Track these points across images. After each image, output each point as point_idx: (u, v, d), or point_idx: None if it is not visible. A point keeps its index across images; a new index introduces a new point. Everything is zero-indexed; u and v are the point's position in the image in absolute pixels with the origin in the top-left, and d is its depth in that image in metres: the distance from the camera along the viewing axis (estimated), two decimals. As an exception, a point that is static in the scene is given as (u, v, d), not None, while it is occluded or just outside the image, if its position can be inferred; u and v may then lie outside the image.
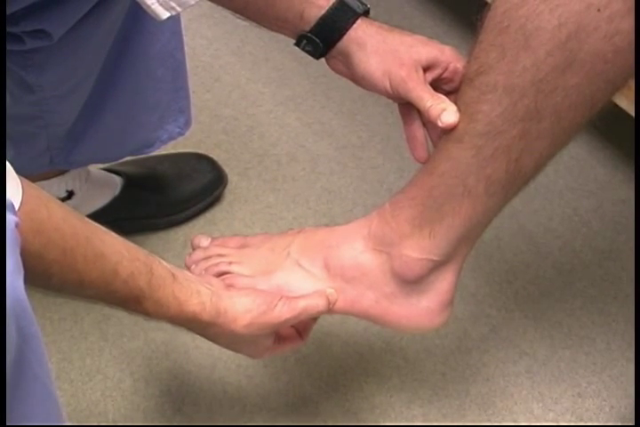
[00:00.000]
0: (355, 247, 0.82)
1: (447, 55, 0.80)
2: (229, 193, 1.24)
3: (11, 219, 0.51)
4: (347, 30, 0.80)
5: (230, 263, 0.83)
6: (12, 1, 0.80)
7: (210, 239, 0.87)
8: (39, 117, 1.00)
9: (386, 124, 1.35)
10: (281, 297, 0.78)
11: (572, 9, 0.68)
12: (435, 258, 0.80)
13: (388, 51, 0.79)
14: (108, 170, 1.19)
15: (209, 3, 0.82)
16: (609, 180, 1.28)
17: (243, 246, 0.86)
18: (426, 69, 0.80)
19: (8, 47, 0.87)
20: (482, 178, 0.75)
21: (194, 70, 1.35)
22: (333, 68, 0.84)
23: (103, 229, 0.68)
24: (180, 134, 1.10)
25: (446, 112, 0.76)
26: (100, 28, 0.92)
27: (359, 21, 0.80)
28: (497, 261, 1.17)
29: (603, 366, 1.06)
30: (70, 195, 1.12)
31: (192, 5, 0.76)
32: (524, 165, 0.75)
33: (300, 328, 0.84)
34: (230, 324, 0.76)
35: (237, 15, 0.83)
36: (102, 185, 1.16)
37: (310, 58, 0.84)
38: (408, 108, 0.82)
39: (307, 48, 0.82)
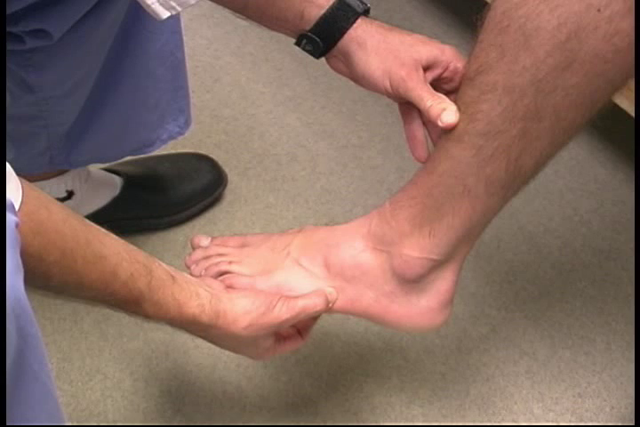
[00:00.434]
0: (355, 246, 0.82)
1: (447, 55, 0.80)
2: (229, 193, 1.24)
3: (11, 219, 0.51)
4: (347, 30, 0.80)
5: (230, 263, 0.84)
6: (12, 1, 0.80)
7: (210, 239, 0.87)
8: (39, 117, 1.00)
9: (386, 124, 1.35)
10: (280, 297, 0.78)
11: (571, 9, 0.68)
12: (434, 257, 0.80)
13: (389, 50, 0.79)
14: (108, 170, 1.19)
15: (209, 3, 0.82)
16: (609, 180, 1.28)
17: (243, 246, 0.86)
18: (426, 69, 0.80)
19: (8, 47, 0.87)
20: (482, 178, 0.75)
21: (194, 70, 1.35)
22: (334, 68, 0.84)
23: (103, 230, 0.68)
24: (180, 134, 1.10)
25: (446, 112, 0.76)
26: (100, 27, 0.92)
27: (359, 21, 0.80)
28: (497, 261, 1.17)
29: (603, 366, 1.06)
30: (70, 195, 1.12)
31: (192, 5, 0.76)
32: (523, 164, 0.75)
33: (301, 328, 0.84)
34: (230, 325, 0.76)
35: (237, 15, 0.83)
36: (102, 185, 1.16)
37: (310, 58, 0.84)
38: (408, 107, 0.82)
39: (307, 47, 0.82)
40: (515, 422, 1.01)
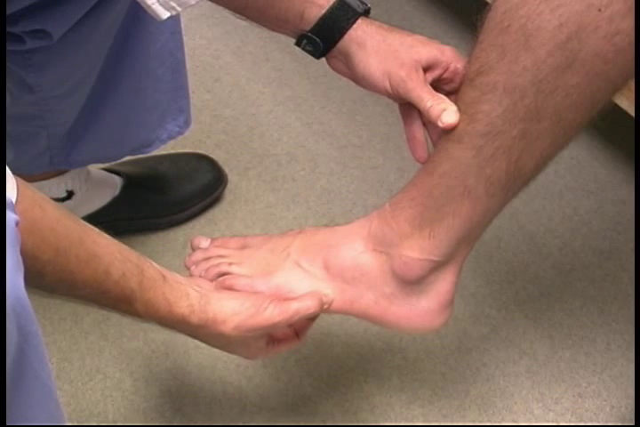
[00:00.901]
0: (354, 248, 0.82)
1: (447, 55, 0.80)
2: (229, 193, 1.24)
3: (11, 217, 0.51)
4: (347, 30, 0.80)
5: (230, 264, 0.84)
6: (12, 1, 0.80)
7: (209, 240, 0.87)
8: (39, 117, 1.00)
9: (386, 124, 1.35)
10: (271, 300, 0.78)
11: (572, 9, 0.68)
12: (434, 258, 0.80)
13: (389, 51, 0.79)
14: (108, 170, 1.19)
15: (209, 3, 0.82)
16: (609, 180, 1.28)
17: (243, 247, 0.86)
18: (426, 70, 0.80)
19: (8, 47, 0.87)
20: (482, 178, 0.75)
21: (194, 70, 1.35)
22: (334, 68, 0.84)
23: (96, 230, 0.69)
24: (180, 134, 1.10)
25: (446, 112, 0.76)
26: (100, 28, 0.92)
27: (359, 21, 0.80)
28: (497, 262, 1.17)
29: (603, 366, 1.06)
30: (70, 195, 1.12)
31: (192, 5, 0.76)
32: (524, 165, 0.75)
33: (297, 328, 0.84)
34: (219, 326, 0.76)
35: (237, 15, 0.83)
36: (102, 185, 1.16)
37: (310, 58, 0.84)
38: (408, 108, 0.82)
39: (307, 48, 0.82)
40: (515, 422, 1.01)
